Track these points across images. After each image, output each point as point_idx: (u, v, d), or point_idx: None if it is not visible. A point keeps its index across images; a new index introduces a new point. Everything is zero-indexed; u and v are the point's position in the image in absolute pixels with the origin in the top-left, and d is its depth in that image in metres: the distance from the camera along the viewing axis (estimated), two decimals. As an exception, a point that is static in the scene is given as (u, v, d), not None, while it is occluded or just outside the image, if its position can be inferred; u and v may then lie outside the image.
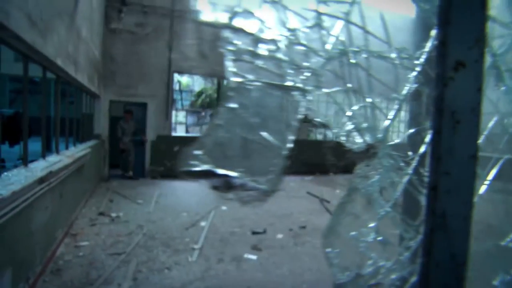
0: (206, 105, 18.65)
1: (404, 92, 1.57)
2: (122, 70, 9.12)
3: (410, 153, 1.56)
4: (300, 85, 1.62)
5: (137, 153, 9.42)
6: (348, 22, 1.61)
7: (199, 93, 19.03)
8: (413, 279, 1.37)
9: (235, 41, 1.59)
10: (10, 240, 2.68)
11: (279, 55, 1.62)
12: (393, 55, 1.60)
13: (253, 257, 4.30)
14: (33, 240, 3.24)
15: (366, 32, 1.61)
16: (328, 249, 1.74)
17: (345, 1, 1.61)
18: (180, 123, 18.60)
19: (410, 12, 1.76)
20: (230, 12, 1.55)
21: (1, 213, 2.35)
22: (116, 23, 8.90)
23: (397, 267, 1.49)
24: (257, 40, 1.60)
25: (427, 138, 1.42)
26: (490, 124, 1.60)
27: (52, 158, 4.41)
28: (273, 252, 4.50)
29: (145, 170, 9.59)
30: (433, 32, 1.39)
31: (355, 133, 1.66)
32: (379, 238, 1.59)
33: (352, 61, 1.63)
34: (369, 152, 1.63)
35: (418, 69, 1.53)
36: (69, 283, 3.41)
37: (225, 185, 1.71)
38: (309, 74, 1.63)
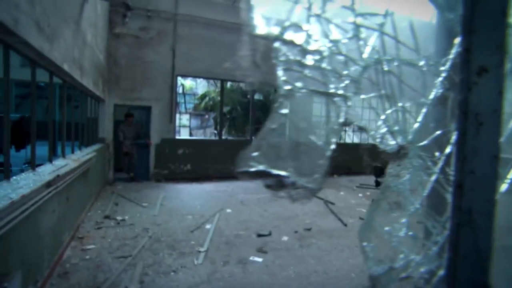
0: (209, 108, 18.71)
1: (431, 96, 1.66)
2: (126, 74, 9.19)
3: (437, 153, 1.64)
4: (341, 91, 1.75)
5: (141, 156, 9.47)
6: (382, 33, 1.73)
7: (203, 96, 19.10)
8: (441, 272, 1.43)
9: (286, 52, 1.72)
10: (20, 243, 2.71)
11: (323, 65, 1.74)
12: (422, 63, 1.70)
13: (259, 259, 4.31)
14: (41, 243, 3.27)
15: (398, 41, 1.73)
16: (364, 243, 1.82)
17: (379, 14, 1.73)
18: (184, 126, 18.66)
19: (425, 15, 1.84)
20: (281, 26, 1.70)
21: (12, 216, 2.39)
22: (120, 27, 8.99)
23: (425, 261, 1.56)
24: (304, 51, 1.73)
25: (453, 139, 1.49)
26: (511, 125, 1.66)
27: (58, 162, 4.46)
28: (279, 254, 4.51)
29: (149, 173, 9.63)
30: (457, 40, 1.47)
31: (388, 135, 1.77)
32: (410, 233, 1.68)
33: (386, 68, 1.74)
34: (400, 153, 1.73)
35: (443, 75, 1.61)
36: (76, 286, 3.43)
37: (278, 184, 1.82)
38: (348, 82, 1.76)
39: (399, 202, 1.78)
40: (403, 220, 1.72)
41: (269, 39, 1.72)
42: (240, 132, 16.60)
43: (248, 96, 14.05)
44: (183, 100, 20.86)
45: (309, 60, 1.75)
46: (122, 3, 8.52)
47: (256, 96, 14.02)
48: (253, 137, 11.36)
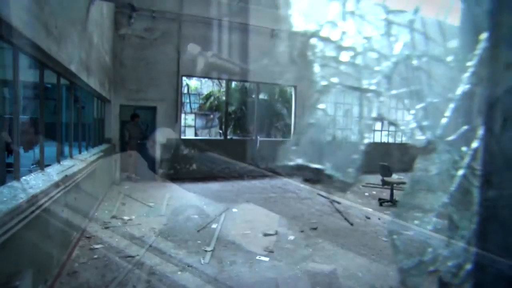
0: (214, 108, 18.75)
1: (459, 92, 1.69)
2: (131, 74, 9.25)
3: (464, 148, 1.66)
4: (374, 87, 1.80)
5: (147, 156, 9.53)
6: (412, 29, 1.78)
7: (207, 96, 19.15)
8: (468, 266, 1.44)
9: (322, 49, 1.78)
10: (29, 242, 2.74)
11: (358, 61, 1.80)
12: (449, 58, 1.73)
13: (266, 258, 4.31)
14: (50, 242, 3.31)
15: (427, 37, 1.77)
16: (395, 236, 1.85)
17: (409, 11, 1.78)
18: (189, 126, 18.71)
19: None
20: (318, 23, 1.73)
21: (22, 216, 2.41)
22: (126, 28, 9.05)
23: (453, 255, 1.58)
24: (339, 47, 1.79)
25: (479, 134, 1.51)
26: None
27: (66, 163, 4.50)
28: (285, 253, 4.51)
29: (155, 173, 9.68)
30: (483, 36, 1.50)
31: (417, 130, 1.82)
32: (438, 227, 1.70)
33: (415, 64, 1.78)
34: (429, 147, 1.77)
35: (470, 70, 1.64)
36: (85, 285, 3.46)
37: (315, 178, 1.88)
38: (380, 77, 1.81)
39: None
40: (432, 214, 1.75)
41: (306, 35, 1.77)
42: (245, 132, 16.62)
43: (253, 96, 14.05)
44: (188, 100, 20.91)
45: (344, 56, 1.80)
46: (127, 4, 8.57)
47: (261, 96, 14.00)
48: (258, 137, 11.36)
